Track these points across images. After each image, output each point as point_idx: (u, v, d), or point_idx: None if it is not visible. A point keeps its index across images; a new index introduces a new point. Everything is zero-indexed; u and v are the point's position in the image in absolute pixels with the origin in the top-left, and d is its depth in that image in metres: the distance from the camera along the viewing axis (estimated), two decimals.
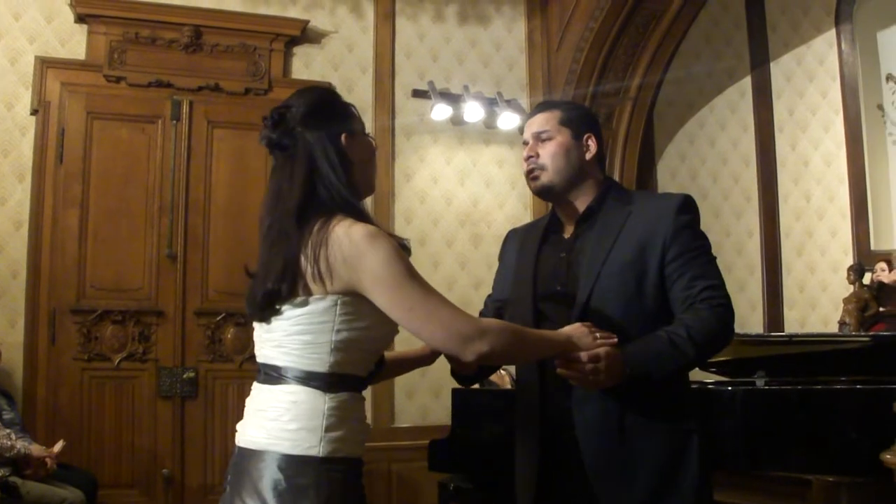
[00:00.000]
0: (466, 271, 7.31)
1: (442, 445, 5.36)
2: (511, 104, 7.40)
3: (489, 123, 7.41)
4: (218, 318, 6.44)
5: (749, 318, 8.25)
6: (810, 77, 8.50)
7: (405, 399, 6.92)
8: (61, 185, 6.21)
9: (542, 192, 2.76)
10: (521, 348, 2.27)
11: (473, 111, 7.23)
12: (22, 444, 5.25)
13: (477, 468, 5.39)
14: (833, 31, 8.52)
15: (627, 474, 2.49)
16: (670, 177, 8.31)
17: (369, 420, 6.54)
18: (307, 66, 7.00)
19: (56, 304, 6.14)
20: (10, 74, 6.22)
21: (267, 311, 2.15)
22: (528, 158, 2.75)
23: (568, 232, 2.75)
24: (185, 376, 6.36)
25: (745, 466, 5.22)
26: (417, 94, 7.31)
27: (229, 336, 6.47)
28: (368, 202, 6.75)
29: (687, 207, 2.61)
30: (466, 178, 7.45)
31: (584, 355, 2.29)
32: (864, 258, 8.06)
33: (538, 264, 2.75)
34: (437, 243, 7.28)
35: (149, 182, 6.44)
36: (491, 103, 7.35)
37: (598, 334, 2.35)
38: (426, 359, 2.62)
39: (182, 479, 6.26)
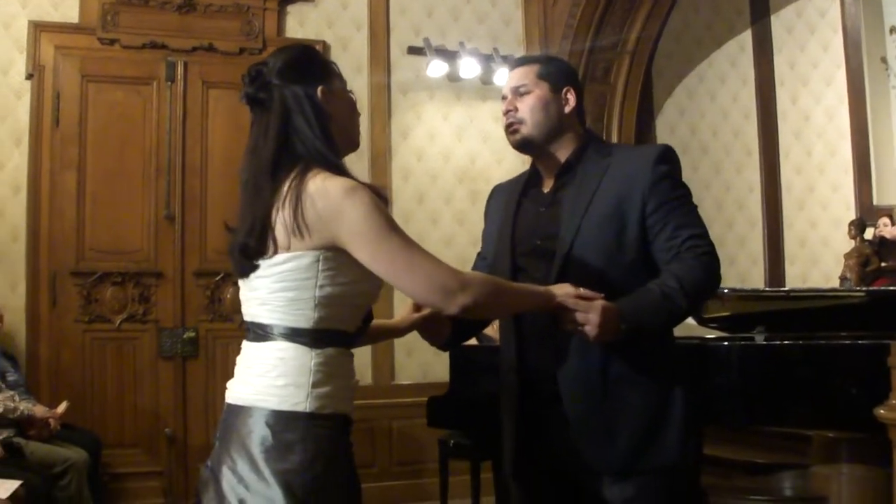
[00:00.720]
0: (465, 228, 7.33)
1: (441, 402, 5.39)
2: (507, 60, 7.31)
3: (486, 79, 7.38)
4: (217, 279, 6.47)
5: (750, 273, 8.30)
6: (812, 29, 8.54)
7: (405, 357, 6.97)
8: (58, 149, 6.23)
9: (521, 146, 2.75)
10: (503, 301, 2.28)
11: (469, 67, 7.22)
12: (25, 406, 5.30)
13: (475, 424, 5.43)
14: None
15: (610, 428, 2.51)
16: (669, 131, 8.35)
17: (370, 378, 6.61)
18: (301, 24, 6.96)
19: (56, 267, 6.18)
20: (4, 39, 6.21)
21: (244, 265, 2.16)
22: (506, 112, 2.74)
23: (547, 186, 2.76)
24: (185, 336, 6.42)
25: (743, 422, 5.25)
26: (413, 51, 7.28)
27: (228, 296, 6.49)
28: (366, 159, 6.87)
29: (665, 157, 2.61)
30: (464, 135, 7.44)
31: (572, 303, 2.31)
32: (867, 213, 8.11)
33: (517, 219, 2.77)
34: (435, 200, 7.30)
35: (145, 144, 6.45)
36: (487, 59, 7.32)
37: (582, 290, 2.34)
38: (400, 331, 2.68)
39: (185, 437, 6.32)
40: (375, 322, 2.56)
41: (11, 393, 5.38)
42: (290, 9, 6.96)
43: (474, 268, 2.92)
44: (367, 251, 2.07)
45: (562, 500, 2.70)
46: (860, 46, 8.58)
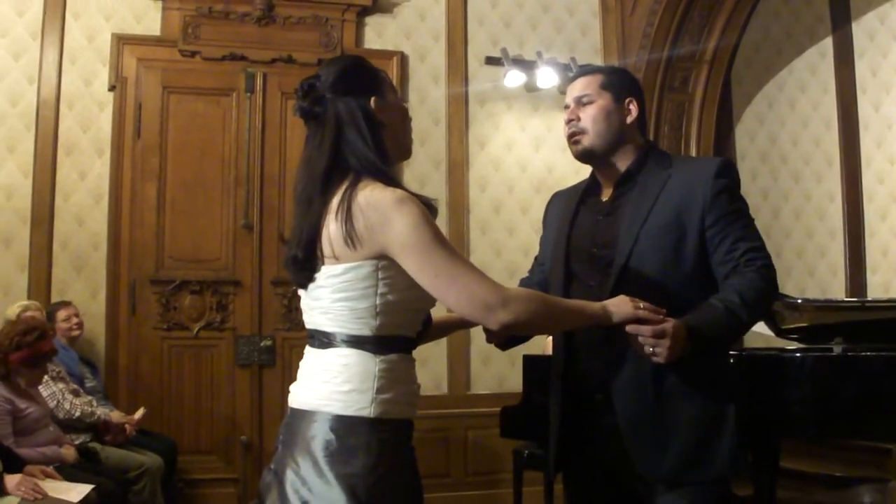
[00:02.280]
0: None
1: (514, 412, 5.29)
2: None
3: (563, 89, 7.01)
4: (294, 288, 6.30)
5: (831, 284, 8.00)
6: (894, 36, 8.13)
7: (481, 366, 6.80)
8: (139, 159, 6.21)
9: (582, 156, 2.74)
10: (549, 318, 2.21)
11: (547, 77, 7.01)
12: (103, 411, 5.31)
13: (548, 435, 5.24)
14: None
15: (661, 439, 2.49)
16: (749, 141, 8.06)
17: (445, 388, 6.39)
18: (379, 35, 6.86)
19: (136, 276, 6.16)
20: (88, 52, 6.22)
21: (298, 277, 2.16)
22: (568, 122, 2.73)
23: (606, 195, 2.74)
24: (262, 344, 6.34)
25: (820, 435, 5.24)
26: (490, 61, 7.11)
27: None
28: (443, 169, 6.68)
29: (725, 171, 2.59)
30: (541, 145, 7.25)
31: (647, 329, 2.25)
32: None
33: (573, 226, 2.75)
34: (512, 210, 7.11)
35: (224, 154, 6.41)
36: (565, 69, 7.08)
37: (641, 305, 2.30)
38: (467, 322, 2.52)
39: (260, 445, 6.24)
40: (444, 316, 2.56)
41: (90, 398, 5.39)
42: (369, 20, 6.86)
43: (531, 272, 3.02)
44: (413, 262, 2.05)
45: None
46: None
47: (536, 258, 3.03)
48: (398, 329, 2.13)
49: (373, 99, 2.20)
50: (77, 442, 5.02)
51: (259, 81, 6.46)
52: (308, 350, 2.20)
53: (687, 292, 2.49)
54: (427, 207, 2.12)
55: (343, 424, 2.05)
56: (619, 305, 2.29)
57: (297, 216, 2.20)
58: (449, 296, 2.06)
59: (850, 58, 8.15)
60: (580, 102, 2.72)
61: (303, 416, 2.11)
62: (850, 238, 8.05)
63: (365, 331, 2.08)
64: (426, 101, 6.89)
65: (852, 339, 4.46)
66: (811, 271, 8.04)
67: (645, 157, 2.71)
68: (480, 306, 2.05)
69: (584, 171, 7.05)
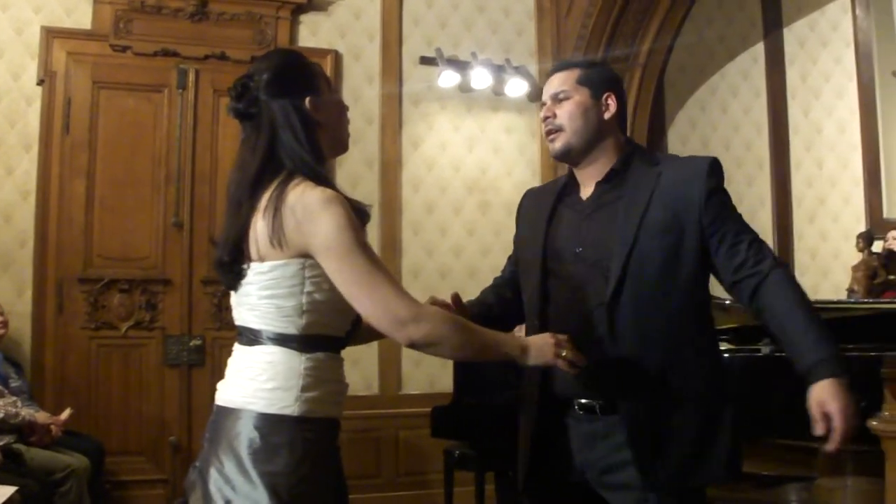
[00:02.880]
0: (475, 238, 7.33)
1: (444, 412, 5.44)
2: (519, 70, 7.38)
3: (497, 90, 7.37)
4: (224, 287, 6.46)
5: None
6: (824, 43, 8.56)
7: (412, 367, 6.96)
8: (68, 155, 6.24)
9: (561, 155, 2.71)
10: (461, 345, 2.18)
11: (481, 78, 7.20)
12: (27, 412, 5.31)
13: (479, 436, 5.44)
14: None
15: (662, 444, 2.49)
16: (681, 144, 8.31)
17: (377, 388, 6.53)
18: (314, 33, 6.97)
19: (63, 274, 6.19)
20: (17, 45, 6.24)
21: (225, 278, 2.23)
22: (545, 119, 2.71)
23: (586, 193, 2.72)
24: (191, 344, 6.43)
25: (749, 434, 5.16)
26: (425, 61, 7.27)
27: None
28: (376, 169, 6.84)
29: (716, 170, 2.59)
30: (475, 146, 7.43)
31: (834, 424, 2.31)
32: (877, 226, 8.13)
33: (550, 226, 2.72)
34: (445, 211, 7.29)
35: (155, 151, 6.46)
36: (499, 70, 7.31)
37: (563, 353, 2.31)
38: None
39: (189, 445, 6.28)
40: None
41: (14, 399, 5.39)
42: (303, 18, 6.97)
43: (503, 272, 3.03)
44: (333, 265, 2.09)
45: None
46: (872, 60, 8.62)
47: (510, 257, 3.02)
48: (325, 328, 2.18)
49: (307, 99, 2.25)
50: (0, 443, 5.03)
51: (191, 78, 6.53)
52: (236, 347, 2.25)
53: (686, 292, 2.54)
54: (359, 212, 2.18)
55: (267, 422, 2.08)
56: (541, 349, 2.29)
57: (226, 218, 2.26)
58: (363, 304, 2.10)
59: (782, 63, 8.50)
60: (556, 99, 2.71)
61: (228, 413, 2.14)
62: (779, 240, 8.36)
63: (291, 329, 2.13)
64: (360, 100, 7.01)
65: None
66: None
67: (630, 155, 2.69)
68: (392, 319, 2.08)
69: (517, 171, 7.32)
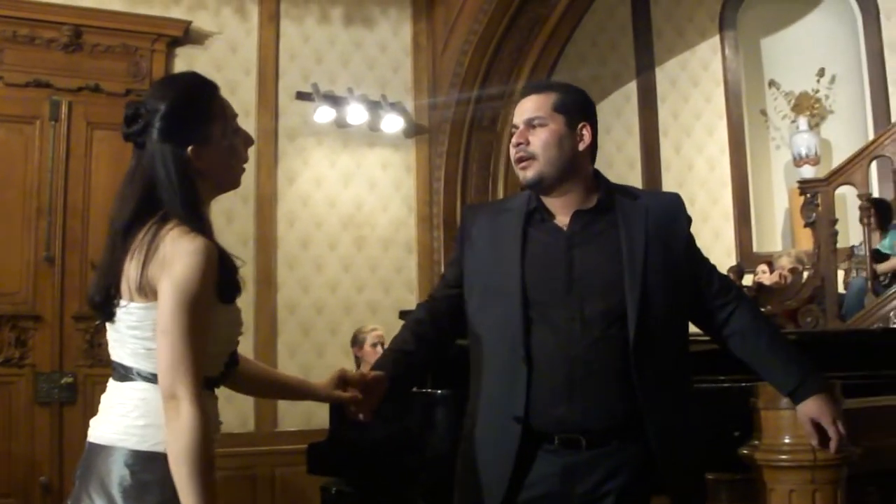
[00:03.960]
0: (350, 274, 7.73)
1: (321, 448, 5.58)
2: (395, 107, 7.84)
3: (373, 126, 7.80)
4: (97, 323, 6.47)
5: None
6: (695, 82, 9.15)
7: (289, 404, 7.14)
8: None
9: (533, 184, 2.69)
10: (185, 460, 2.03)
11: (357, 113, 7.63)
12: None
13: (357, 472, 5.77)
14: (717, 38, 9.21)
15: (640, 470, 2.63)
16: None
17: (252, 426, 6.78)
18: (190, 66, 7.13)
19: None
20: None
21: (98, 314, 2.26)
22: (517, 145, 2.69)
23: (563, 221, 2.69)
24: (62, 382, 6.59)
25: None
26: (301, 96, 7.64)
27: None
28: (251, 204, 7.19)
29: (684, 206, 2.79)
30: (350, 181, 7.82)
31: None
32: (747, 260, 8.61)
33: (527, 251, 2.68)
34: (320, 246, 7.65)
35: (26, 184, 6.64)
36: (375, 106, 7.75)
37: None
38: (319, 397, 2.72)
39: (61, 485, 6.40)
40: (292, 377, 2.84)
41: None
42: (179, 51, 7.28)
43: (438, 296, 2.94)
44: (163, 305, 2.10)
45: None
46: (741, 99, 9.23)
47: (443, 278, 2.98)
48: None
49: (191, 148, 2.22)
50: None
51: (64, 109, 6.76)
52: (110, 382, 2.24)
53: (684, 327, 2.72)
54: (231, 277, 2.22)
55: (138, 460, 2.09)
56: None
57: (103, 254, 2.27)
58: (159, 353, 2.09)
59: (654, 102, 9.06)
60: (530, 125, 2.68)
61: (99, 451, 2.15)
62: None
63: None
64: None
65: None
66: None
67: (608, 185, 2.72)
68: (167, 385, 2.06)
69: (392, 207, 7.84)
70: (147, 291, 2.13)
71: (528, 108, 2.72)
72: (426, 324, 2.89)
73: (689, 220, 2.76)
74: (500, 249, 2.73)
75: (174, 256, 2.11)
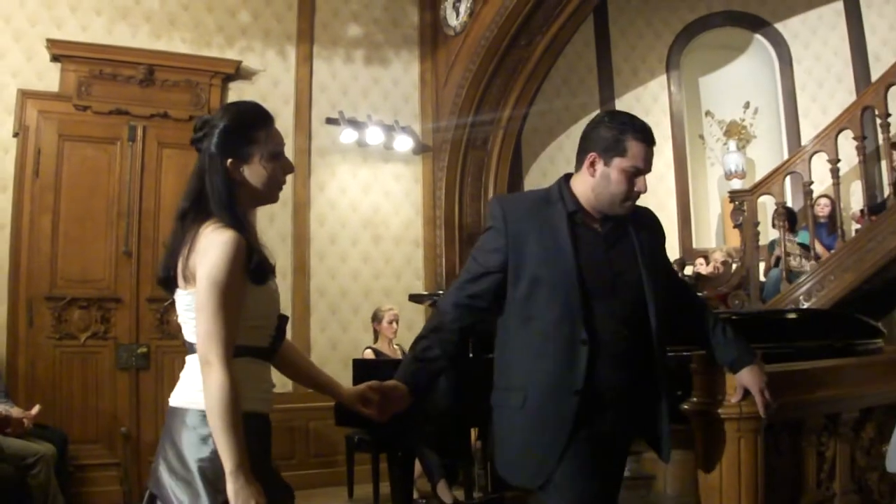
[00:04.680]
0: (368, 265, 7.82)
1: (346, 405, 5.68)
2: (406, 130, 7.92)
3: (388, 145, 7.89)
4: (166, 303, 6.63)
5: None
6: (646, 111, 9.08)
7: (320, 368, 7.25)
8: (37, 195, 6.49)
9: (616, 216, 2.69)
10: (219, 414, 2.04)
11: (375, 135, 7.71)
12: (3, 407, 5.47)
13: (373, 424, 5.81)
14: (665, 76, 9.26)
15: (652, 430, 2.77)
16: (535, 188, 8.74)
17: (290, 386, 6.88)
18: (240, 97, 7.07)
19: (33, 293, 6.41)
20: None
21: (163, 287, 2.29)
22: (641, 193, 2.67)
23: (595, 223, 2.68)
24: (139, 351, 6.67)
25: None
26: (330, 121, 7.71)
27: (175, 318, 6.71)
28: (289, 208, 7.29)
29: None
30: (369, 190, 7.88)
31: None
32: (688, 254, 8.61)
33: (579, 249, 2.61)
34: (344, 242, 7.72)
35: (109, 192, 6.74)
36: (389, 129, 7.83)
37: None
38: (344, 398, 2.63)
39: (138, 435, 6.56)
40: (325, 376, 2.67)
41: None
42: (232, 85, 7.35)
43: (476, 284, 2.69)
44: (199, 287, 2.10)
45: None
46: (683, 126, 9.30)
47: (477, 265, 2.71)
48: (243, 340, 2.15)
49: (230, 161, 2.23)
50: None
51: (140, 133, 6.83)
52: (187, 356, 2.26)
53: (667, 321, 2.71)
54: (260, 263, 2.19)
55: (199, 418, 2.10)
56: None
57: (170, 235, 2.29)
58: (197, 328, 2.10)
59: None
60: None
61: (174, 412, 2.18)
62: None
63: None
64: None
65: None
66: None
67: None
68: (203, 353, 2.06)
69: (404, 212, 7.95)
70: (190, 279, 2.15)
71: (651, 161, 2.70)
72: (453, 331, 2.72)
73: (663, 231, 2.85)
74: (553, 244, 2.61)
75: (208, 247, 2.11)
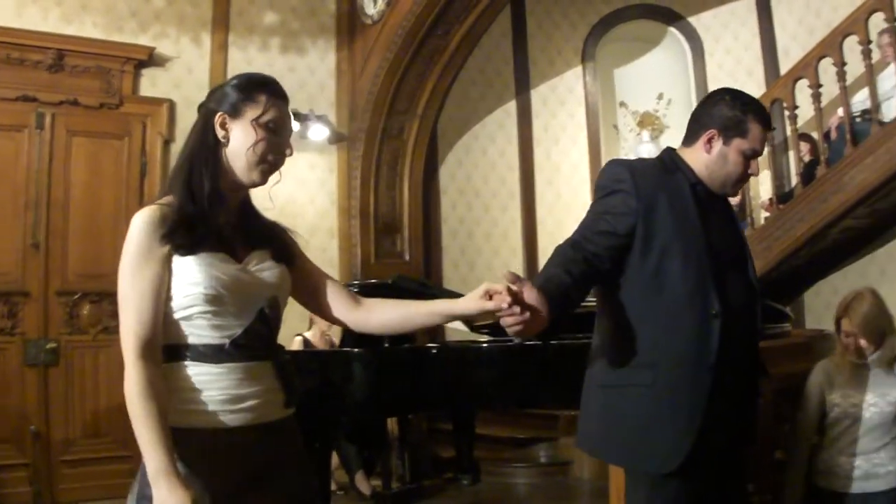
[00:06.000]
0: None
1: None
2: (321, 119, 7.98)
3: (303, 134, 7.94)
4: (76, 297, 6.75)
5: None
6: (562, 102, 9.39)
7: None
8: None
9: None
10: (134, 415, 1.88)
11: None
12: None
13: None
14: (580, 68, 9.45)
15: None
16: (450, 178, 8.99)
17: None
18: (153, 84, 7.31)
19: None
20: None
21: None
22: (755, 175, 2.71)
23: (709, 202, 2.70)
24: (47, 347, 6.63)
25: (503, 407, 6.00)
26: None
27: (85, 312, 6.76)
28: None
29: None
30: (284, 179, 7.48)
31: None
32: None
33: (705, 223, 2.60)
34: None
35: (16, 182, 6.68)
36: (305, 118, 7.88)
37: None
38: (467, 315, 2.31)
39: (48, 434, 6.52)
40: (433, 303, 2.31)
41: None
42: (144, 71, 7.31)
43: (599, 245, 2.51)
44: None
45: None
46: (598, 116, 9.49)
47: (606, 223, 2.55)
48: (174, 336, 1.99)
49: (220, 115, 2.10)
50: None
51: (48, 120, 6.79)
52: None
53: None
54: (186, 226, 2.00)
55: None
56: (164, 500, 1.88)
57: None
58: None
59: (529, 117, 9.27)
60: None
61: None
62: (527, 255, 9.09)
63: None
64: None
65: None
66: (498, 280, 8.87)
67: None
68: (125, 349, 1.92)
69: (319, 201, 8.08)
70: None
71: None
72: (580, 263, 2.48)
73: None
74: (683, 215, 2.58)
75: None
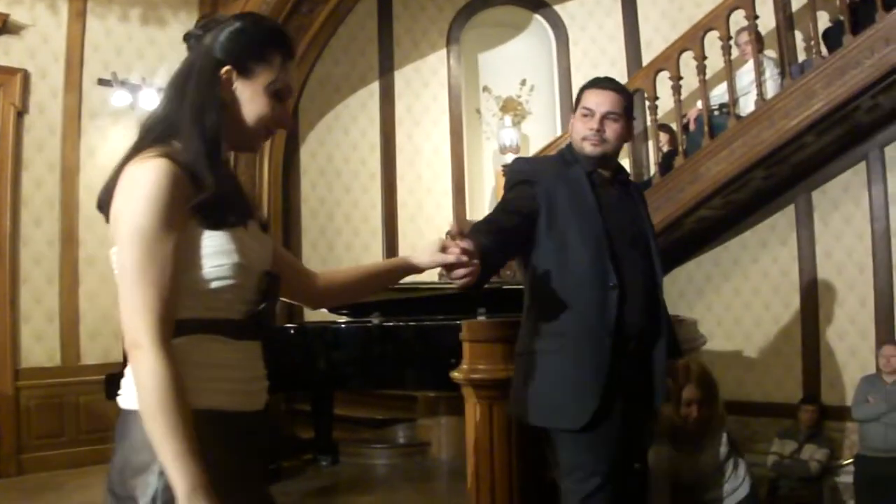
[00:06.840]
0: None
1: (117, 378, 5.69)
2: None
3: None
4: None
5: None
6: (425, 84, 9.56)
7: (89, 341, 7.35)
8: None
9: (597, 157, 3.09)
10: (156, 405, 1.57)
11: (149, 99, 7.69)
12: None
13: None
14: (445, 51, 9.65)
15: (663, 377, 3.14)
16: (311, 158, 9.08)
17: (57, 360, 6.82)
18: (6, 52, 7.17)
19: None
20: None
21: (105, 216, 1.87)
22: (597, 130, 3.05)
23: (607, 186, 3.14)
24: None
25: (362, 387, 6.12)
26: (102, 82, 7.65)
27: None
28: (57, 173, 7.37)
29: None
30: None
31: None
32: (462, 225, 9.11)
33: (601, 206, 3.03)
34: None
35: None
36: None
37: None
38: (420, 269, 2.28)
39: None
40: (383, 262, 2.35)
41: None
42: None
43: (509, 221, 2.99)
44: (119, 248, 1.70)
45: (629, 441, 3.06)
46: (461, 99, 9.72)
47: (508, 203, 3.06)
48: (192, 310, 1.73)
49: (227, 69, 1.81)
50: None
51: None
52: None
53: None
54: (212, 196, 1.72)
55: (135, 419, 1.65)
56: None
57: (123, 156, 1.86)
58: (120, 299, 1.67)
59: (392, 98, 9.40)
60: (607, 117, 3.06)
61: (123, 417, 1.74)
62: (387, 236, 9.25)
63: None
64: (44, 113, 7.34)
65: (387, 312, 4.98)
66: (356, 261, 8.89)
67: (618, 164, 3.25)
68: (130, 334, 1.63)
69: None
70: (115, 230, 1.71)
71: (608, 102, 3.07)
72: (498, 236, 2.88)
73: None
74: (581, 200, 3.01)
75: (129, 187, 1.70)
